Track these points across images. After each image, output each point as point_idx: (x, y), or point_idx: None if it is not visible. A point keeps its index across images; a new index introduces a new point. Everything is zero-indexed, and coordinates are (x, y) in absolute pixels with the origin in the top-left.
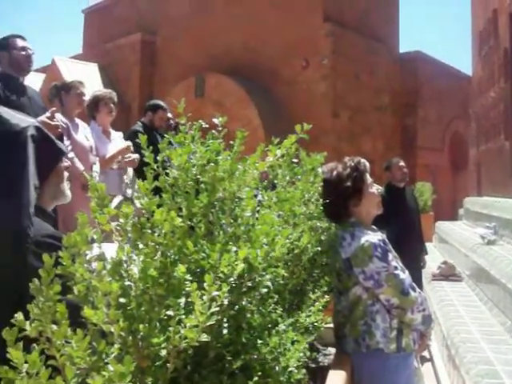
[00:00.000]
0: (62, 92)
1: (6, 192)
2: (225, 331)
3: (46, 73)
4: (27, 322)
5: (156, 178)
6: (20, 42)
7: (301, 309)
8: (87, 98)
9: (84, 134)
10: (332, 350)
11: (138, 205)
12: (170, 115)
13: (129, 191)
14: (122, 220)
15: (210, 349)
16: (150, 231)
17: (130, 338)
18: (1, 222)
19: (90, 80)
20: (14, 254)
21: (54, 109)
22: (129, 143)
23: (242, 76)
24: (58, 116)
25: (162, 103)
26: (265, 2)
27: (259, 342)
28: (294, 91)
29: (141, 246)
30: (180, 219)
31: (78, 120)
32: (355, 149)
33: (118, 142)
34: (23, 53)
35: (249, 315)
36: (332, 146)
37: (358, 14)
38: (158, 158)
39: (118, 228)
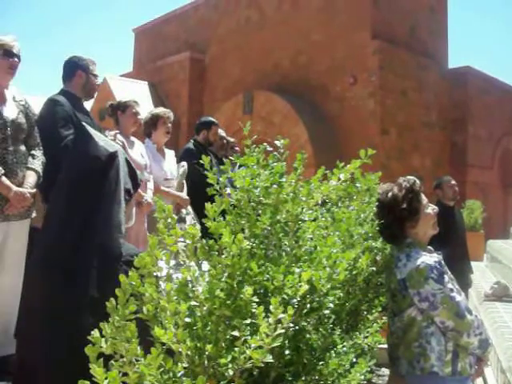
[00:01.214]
0: (118, 111)
1: (99, 212)
2: (286, 352)
3: (97, 91)
4: (103, 340)
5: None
6: (96, 69)
7: (355, 329)
8: (142, 116)
9: (139, 151)
10: (386, 371)
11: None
12: (223, 134)
13: (183, 211)
14: (188, 241)
15: (272, 369)
16: (217, 253)
17: (197, 357)
18: (95, 241)
19: (140, 97)
20: (105, 273)
21: (117, 131)
22: (188, 199)
23: (290, 93)
24: (118, 136)
25: (213, 119)
26: (313, 19)
27: (320, 363)
28: (342, 108)
29: (205, 267)
30: (246, 241)
31: (133, 138)
32: (404, 166)
33: (172, 161)
34: (96, 81)
35: (308, 336)
36: (381, 164)
37: (406, 30)
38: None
39: (184, 249)
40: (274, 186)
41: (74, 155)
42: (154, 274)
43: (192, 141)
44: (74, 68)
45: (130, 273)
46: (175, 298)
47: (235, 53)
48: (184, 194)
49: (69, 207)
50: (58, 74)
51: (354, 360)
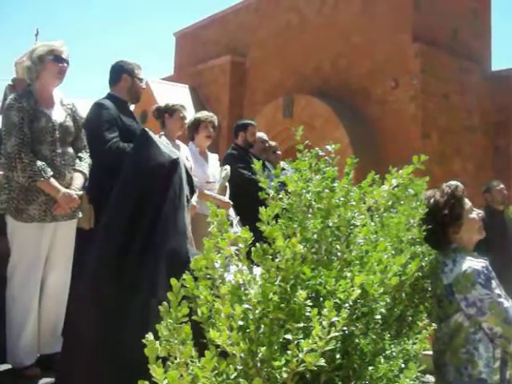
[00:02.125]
0: (165, 114)
1: (166, 218)
2: (337, 356)
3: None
4: (157, 342)
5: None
6: (141, 74)
7: (402, 335)
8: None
9: (185, 155)
10: (430, 378)
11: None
12: (265, 137)
13: (231, 214)
14: (241, 245)
15: (323, 373)
16: (270, 257)
17: (250, 359)
18: (162, 247)
19: (181, 101)
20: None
21: (162, 134)
22: (230, 202)
23: (330, 96)
24: (164, 138)
25: (249, 121)
26: (353, 22)
27: (370, 367)
28: (383, 111)
29: (257, 271)
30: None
31: (178, 141)
32: (445, 170)
33: (215, 165)
34: (141, 84)
35: (357, 340)
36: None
37: (448, 33)
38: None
39: (237, 252)
40: (326, 190)
41: (136, 161)
42: (208, 276)
43: (232, 145)
44: (120, 72)
45: (184, 275)
46: (229, 300)
47: (276, 56)
48: (226, 198)
49: (134, 214)
50: (103, 78)
51: (403, 366)
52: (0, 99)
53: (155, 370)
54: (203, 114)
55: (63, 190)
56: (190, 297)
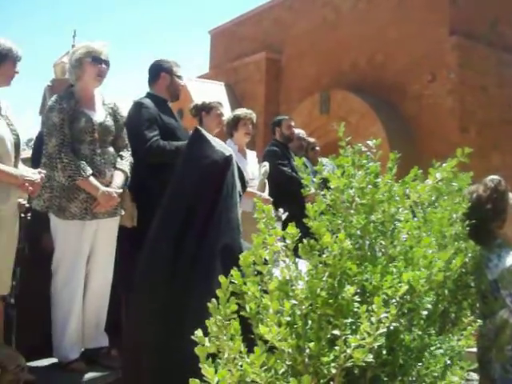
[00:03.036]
0: (202, 112)
1: (221, 214)
2: (383, 352)
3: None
4: (206, 339)
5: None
6: (179, 71)
7: (445, 331)
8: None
9: None
10: (474, 375)
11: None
12: (303, 135)
13: (280, 210)
14: (288, 241)
15: (369, 369)
16: (317, 252)
17: (297, 355)
18: (217, 243)
19: (216, 98)
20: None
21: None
22: (270, 198)
23: (367, 92)
24: None
25: (283, 116)
26: (389, 17)
27: (417, 364)
28: (420, 106)
29: (301, 266)
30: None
31: (216, 139)
32: (484, 164)
33: (254, 161)
34: (180, 82)
35: (401, 336)
36: (461, 162)
37: (486, 25)
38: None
39: (284, 248)
40: (369, 186)
41: (189, 159)
42: (256, 272)
43: (272, 141)
44: (159, 70)
45: (231, 271)
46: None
47: (311, 52)
48: (266, 194)
49: (187, 212)
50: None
51: (448, 362)
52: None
53: (206, 369)
54: (242, 111)
55: (103, 188)
56: (238, 293)
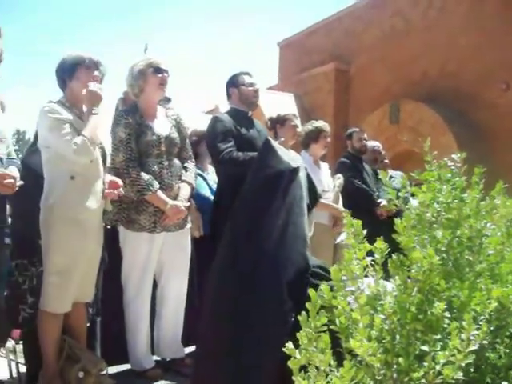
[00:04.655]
0: (277, 124)
1: (287, 225)
2: (471, 369)
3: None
4: (297, 351)
5: None
6: (247, 79)
7: None
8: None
9: None
10: None
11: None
12: (377, 147)
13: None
14: (377, 255)
15: None
16: (407, 268)
17: (384, 370)
18: (282, 254)
19: (286, 109)
20: (295, 285)
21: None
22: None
23: (438, 101)
24: None
25: (353, 129)
26: (460, 24)
27: (504, 383)
28: (494, 115)
29: (387, 283)
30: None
31: (291, 151)
32: None
33: (327, 173)
34: (251, 88)
35: (487, 354)
36: None
37: None
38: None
39: (373, 263)
40: (456, 201)
41: (257, 170)
42: (348, 288)
43: (345, 153)
44: (228, 87)
45: (321, 286)
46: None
47: (381, 62)
48: (341, 206)
49: (253, 220)
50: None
51: None
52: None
53: (300, 382)
54: (322, 123)
55: (171, 202)
56: (326, 306)
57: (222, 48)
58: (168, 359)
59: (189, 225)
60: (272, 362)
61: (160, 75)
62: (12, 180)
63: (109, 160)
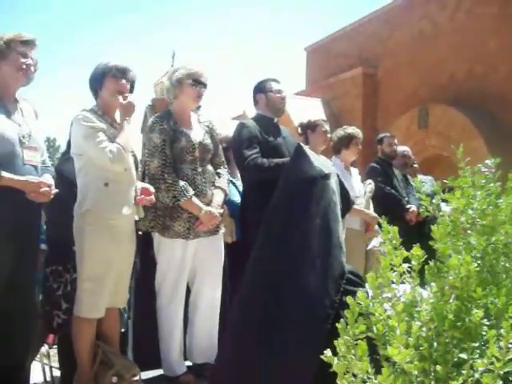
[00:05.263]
0: (307, 130)
1: (320, 231)
2: (510, 378)
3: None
4: (335, 358)
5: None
6: (275, 85)
7: None
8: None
9: None
10: None
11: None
12: (407, 152)
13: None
14: (414, 262)
15: None
16: (444, 275)
17: (422, 377)
18: (318, 258)
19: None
20: (330, 290)
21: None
22: (376, 216)
23: (466, 105)
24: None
25: (384, 134)
26: (488, 27)
27: None
28: None
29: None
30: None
31: (321, 155)
32: None
33: (358, 179)
34: (278, 95)
35: None
36: None
37: None
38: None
39: (409, 270)
40: (490, 207)
41: (289, 175)
42: (385, 295)
43: (376, 158)
44: (255, 93)
45: (358, 293)
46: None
47: (408, 66)
48: (372, 212)
49: (286, 226)
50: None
51: None
52: (140, 119)
53: None
54: (354, 129)
55: (205, 208)
56: (363, 313)
57: (248, 53)
58: (200, 363)
59: (222, 231)
60: (307, 369)
61: (197, 89)
62: (47, 188)
63: (140, 167)
